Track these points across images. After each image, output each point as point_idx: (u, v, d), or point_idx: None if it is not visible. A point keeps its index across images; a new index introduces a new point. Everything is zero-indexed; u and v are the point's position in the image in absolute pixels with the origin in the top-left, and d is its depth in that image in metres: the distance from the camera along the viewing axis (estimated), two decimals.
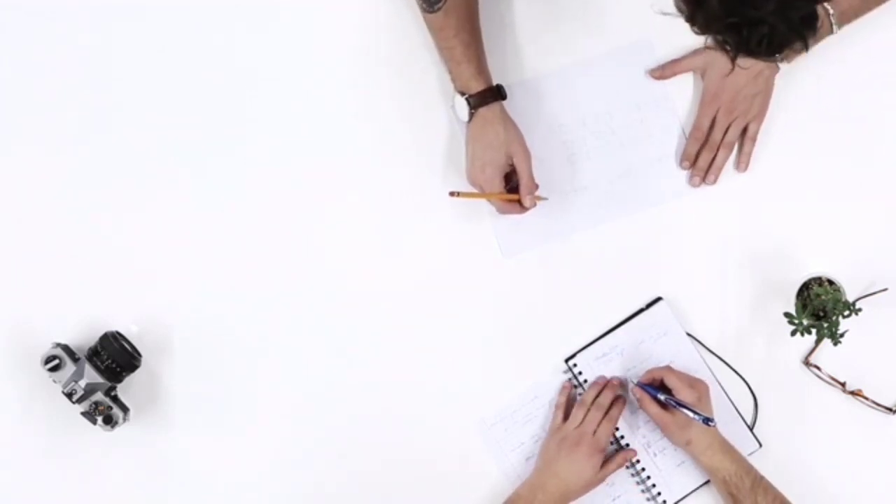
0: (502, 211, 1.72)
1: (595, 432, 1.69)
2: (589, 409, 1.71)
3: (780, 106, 1.75)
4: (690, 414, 1.65)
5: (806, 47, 1.29)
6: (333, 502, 1.75)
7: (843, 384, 1.73)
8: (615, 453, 1.72)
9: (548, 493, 1.66)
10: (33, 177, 1.76)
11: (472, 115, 1.68)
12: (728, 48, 1.30)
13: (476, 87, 1.67)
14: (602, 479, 1.69)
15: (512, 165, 1.68)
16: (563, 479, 1.67)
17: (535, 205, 1.69)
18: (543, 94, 1.76)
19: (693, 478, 1.73)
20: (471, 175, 1.70)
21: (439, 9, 1.64)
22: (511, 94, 1.70)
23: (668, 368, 1.72)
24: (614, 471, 1.71)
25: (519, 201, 1.69)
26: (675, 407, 1.67)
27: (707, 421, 1.65)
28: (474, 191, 1.70)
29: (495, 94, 1.68)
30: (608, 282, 1.76)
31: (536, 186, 1.70)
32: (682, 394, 1.67)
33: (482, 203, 1.74)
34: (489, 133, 1.67)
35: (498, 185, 1.68)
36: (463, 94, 1.68)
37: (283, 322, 1.75)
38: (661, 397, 1.69)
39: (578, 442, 1.68)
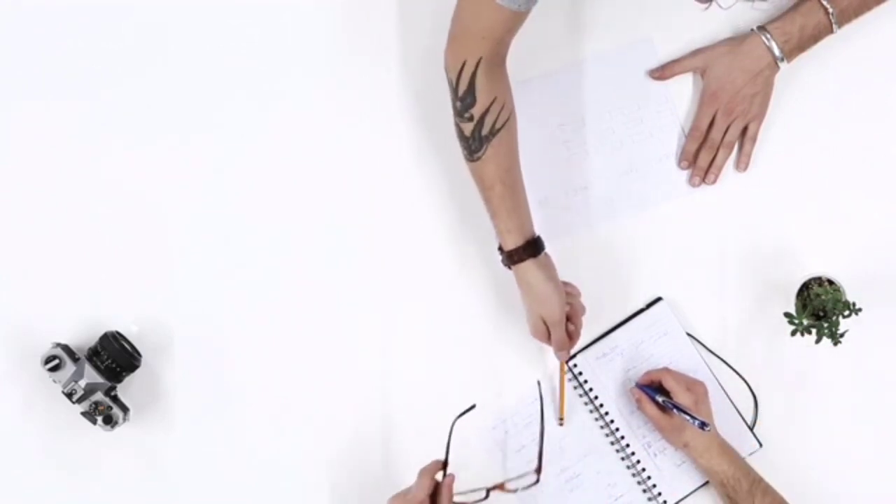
0: None
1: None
2: None
3: (780, 106, 1.75)
4: (687, 418, 1.65)
5: None
6: (333, 503, 1.75)
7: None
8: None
9: None
10: (33, 177, 1.76)
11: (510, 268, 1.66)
12: None
13: (510, 242, 1.62)
14: None
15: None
16: None
17: (565, 359, 1.71)
18: (543, 94, 1.76)
19: (694, 478, 1.73)
20: (531, 333, 1.69)
21: (479, 158, 1.60)
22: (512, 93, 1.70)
23: (666, 370, 1.72)
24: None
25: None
26: (671, 409, 1.67)
27: (702, 425, 1.64)
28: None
29: (528, 250, 1.63)
30: (608, 282, 1.76)
31: (575, 338, 1.69)
32: (679, 397, 1.67)
33: (482, 203, 1.75)
34: (525, 292, 1.65)
35: (547, 342, 1.68)
36: (500, 249, 1.65)
37: (283, 322, 1.75)
38: (659, 399, 1.69)
39: None
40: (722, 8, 1.42)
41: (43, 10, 1.76)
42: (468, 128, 1.58)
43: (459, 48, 1.56)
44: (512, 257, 1.63)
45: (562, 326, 1.66)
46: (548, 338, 1.67)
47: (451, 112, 1.72)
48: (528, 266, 1.63)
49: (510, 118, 1.60)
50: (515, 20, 1.55)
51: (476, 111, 1.57)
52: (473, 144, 1.59)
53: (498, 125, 1.58)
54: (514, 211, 1.62)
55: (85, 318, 1.73)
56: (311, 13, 1.77)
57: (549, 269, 1.64)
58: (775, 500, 1.65)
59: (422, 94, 1.76)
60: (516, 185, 1.63)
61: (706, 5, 1.37)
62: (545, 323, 1.66)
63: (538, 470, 1.67)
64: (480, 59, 1.55)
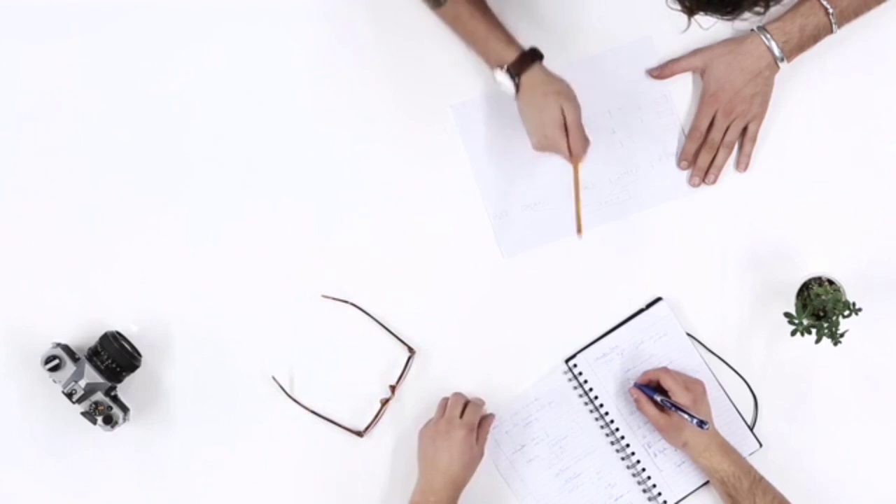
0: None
1: (461, 415, 1.69)
2: (448, 400, 1.72)
3: (780, 106, 1.76)
4: (685, 416, 1.65)
5: (765, 7, 1.30)
6: (333, 503, 1.75)
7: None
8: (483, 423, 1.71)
9: (437, 491, 1.65)
10: (33, 177, 1.76)
11: (517, 86, 1.66)
12: (686, 2, 1.30)
13: (510, 55, 1.65)
14: (482, 453, 1.69)
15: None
16: (446, 470, 1.65)
17: (584, 154, 1.68)
18: None
19: (693, 478, 1.73)
20: (539, 145, 1.68)
21: (445, 1, 1.63)
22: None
23: (665, 370, 1.72)
24: (486, 436, 1.71)
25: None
26: (670, 409, 1.67)
27: (701, 424, 1.64)
28: None
29: (531, 56, 1.66)
30: (608, 282, 1.76)
31: (587, 142, 1.68)
32: (678, 396, 1.67)
33: (482, 203, 1.75)
34: (537, 96, 1.65)
35: (563, 141, 1.66)
36: (501, 66, 1.66)
37: (284, 322, 1.75)
38: (658, 399, 1.69)
39: (448, 429, 1.67)
40: (703, 29, 1.43)
41: (42, 10, 1.76)
42: None
43: None
44: (521, 65, 1.64)
45: (580, 112, 1.66)
46: (555, 146, 1.66)
47: (454, 112, 1.72)
48: (538, 67, 1.66)
49: None
50: None
51: None
52: None
53: None
54: (501, 26, 1.67)
55: (85, 318, 1.73)
56: (311, 14, 1.77)
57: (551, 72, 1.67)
58: (776, 498, 1.65)
59: (427, 94, 1.77)
60: (491, 11, 1.68)
61: (686, 27, 1.37)
62: (564, 125, 1.65)
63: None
64: None
